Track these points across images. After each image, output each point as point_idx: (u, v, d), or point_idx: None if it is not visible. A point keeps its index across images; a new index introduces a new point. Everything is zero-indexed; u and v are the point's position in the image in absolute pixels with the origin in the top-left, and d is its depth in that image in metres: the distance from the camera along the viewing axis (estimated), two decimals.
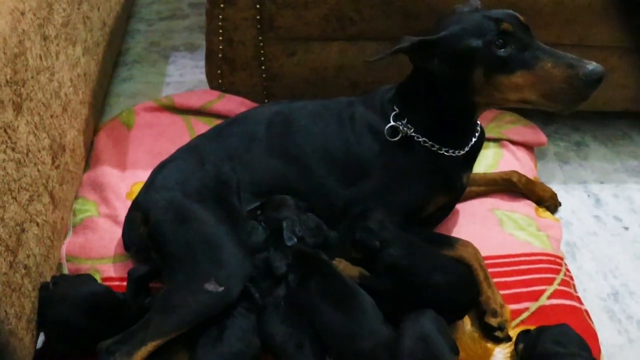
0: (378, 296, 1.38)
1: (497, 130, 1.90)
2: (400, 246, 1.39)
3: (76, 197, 1.66)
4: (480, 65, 1.31)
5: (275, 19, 1.67)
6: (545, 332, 1.37)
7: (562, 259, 1.63)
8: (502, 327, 1.44)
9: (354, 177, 1.50)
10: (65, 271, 1.51)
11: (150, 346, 1.27)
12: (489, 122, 1.91)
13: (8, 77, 1.24)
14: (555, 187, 1.87)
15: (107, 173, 1.68)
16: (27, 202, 1.31)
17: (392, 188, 1.47)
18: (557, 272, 1.58)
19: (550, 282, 1.55)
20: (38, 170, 1.38)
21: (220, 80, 1.81)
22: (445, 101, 1.41)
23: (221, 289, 1.33)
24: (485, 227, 1.67)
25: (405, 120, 1.45)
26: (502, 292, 1.50)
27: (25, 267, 1.30)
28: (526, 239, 1.65)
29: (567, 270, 1.64)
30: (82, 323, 1.31)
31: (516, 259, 1.60)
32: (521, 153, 1.86)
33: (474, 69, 1.31)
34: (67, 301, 1.33)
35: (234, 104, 1.84)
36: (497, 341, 1.44)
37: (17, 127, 1.28)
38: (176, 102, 1.85)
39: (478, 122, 1.52)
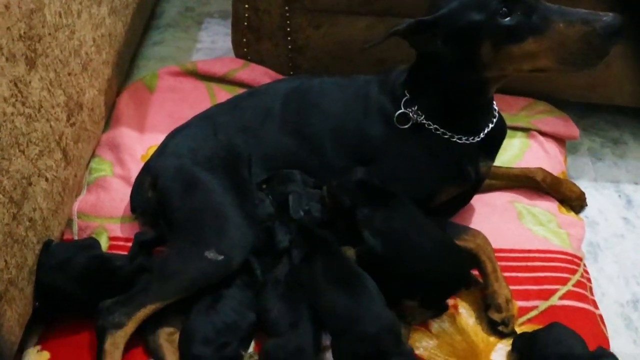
0: (378, 279, 1.36)
1: (527, 120, 1.81)
2: (376, 207, 1.37)
3: (93, 156, 1.68)
4: (487, 39, 1.22)
5: None
6: (540, 334, 1.33)
7: (580, 259, 1.56)
8: (506, 323, 1.39)
9: (363, 160, 1.46)
10: (75, 228, 1.53)
11: (148, 309, 1.29)
12: (519, 110, 1.84)
13: (22, 32, 1.25)
14: (584, 184, 1.79)
15: (125, 134, 1.69)
16: (36, 156, 1.33)
17: (400, 176, 1.43)
18: (574, 272, 1.51)
19: (564, 282, 1.49)
20: (51, 126, 1.39)
21: (245, 49, 1.79)
22: (454, 82, 1.34)
23: (221, 257, 1.33)
24: (503, 219, 1.61)
25: (416, 107, 1.39)
26: (512, 287, 1.45)
27: (30, 220, 1.32)
28: (545, 235, 1.58)
29: (586, 271, 1.57)
30: (74, 292, 1.33)
31: (531, 254, 1.54)
32: (550, 145, 1.78)
33: (480, 44, 1.23)
34: (61, 269, 1.34)
35: (257, 74, 1.82)
36: (501, 336, 1.40)
37: (30, 82, 1.29)
38: (200, 68, 1.85)
39: (495, 107, 1.45)
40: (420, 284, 1.35)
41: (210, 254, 1.33)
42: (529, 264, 1.53)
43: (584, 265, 1.57)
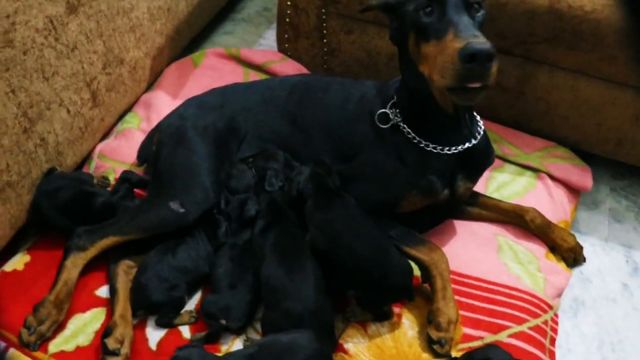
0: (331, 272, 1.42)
1: (539, 161, 1.77)
2: (319, 203, 1.41)
3: (129, 110, 1.89)
4: (411, 31, 1.29)
5: None
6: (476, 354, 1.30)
7: (550, 307, 1.49)
8: (442, 343, 1.37)
9: (344, 156, 1.53)
10: (93, 164, 1.74)
11: (110, 240, 1.45)
12: (534, 150, 1.80)
13: None
14: (592, 241, 1.71)
15: (160, 97, 1.88)
16: (60, 87, 1.54)
17: (366, 175, 1.48)
18: (536, 316, 1.46)
19: (520, 321, 1.44)
20: (83, 67, 1.61)
21: (286, 45, 1.93)
22: (409, 79, 1.39)
23: (182, 210, 1.48)
24: (481, 249, 1.59)
25: (398, 109, 1.44)
26: (463, 313, 1.45)
27: (42, 139, 1.52)
28: (519, 274, 1.53)
29: (554, 321, 1.50)
30: (56, 217, 1.50)
31: (496, 287, 1.51)
32: (558, 191, 1.72)
33: (408, 34, 1.30)
34: (50, 196, 1.51)
35: (291, 69, 1.94)
36: (435, 355, 1.38)
37: (67, 23, 1.51)
38: (242, 54, 2.01)
39: (480, 127, 1.46)
40: (355, 283, 1.39)
41: (174, 205, 1.48)
42: (490, 295, 1.49)
43: (555, 315, 1.51)
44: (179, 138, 1.58)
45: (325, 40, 1.86)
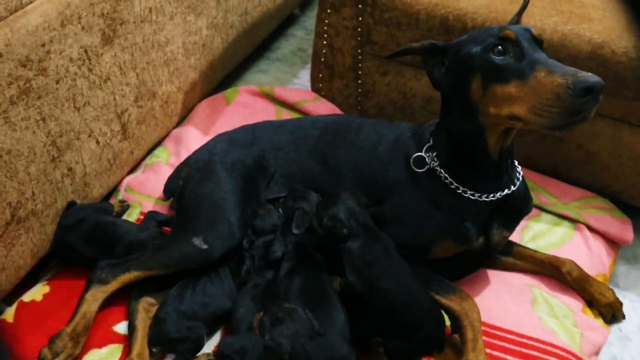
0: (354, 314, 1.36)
1: (577, 211, 1.69)
2: (363, 240, 1.36)
3: (160, 145, 1.88)
4: (478, 73, 1.22)
5: (372, 33, 1.73)
6: None
7: None
8: None
9: (375, 198, 1.48)
10: (120, 197, 1.72)
11: (132, 274, 1.42)
12: (572, 200, 1.72)
13: (105, 11, 1.48)
14: (632, 297, 1.62)
15: (191, 132, 1.87)
16: (90, 118, 1.54)
17: (398, 218, 1.43)
18: None
19: None
20: (115, 98, 1.61)
21: (320, 84, 1.91)
22: (456, 125, 1.33)
23: (205, 246, 1.44)
24: (514, 300, 1.51)
25: (435, 153, 1.40)
26: None
27: (69, 169, 1.52)
28: (554, 328, 1.45)
29: None
30: (80, 248, 1.49)
31: (529, 341, 1.42)
32: (596, 243, 1.64)
33: (472, 77, 1.23)
34: (73, 228, 1.50)
35: (324, 109, 1.92)
36: None
37: (101, 54, 1.52)
38: (276, 93, 2.00)
39: (519, 174, 1.40)
40: (387, 330, 1.33)
41: (197, 241, 1.44)
42: (523, 350, 1.41)
43: None
44: (206, 172, 1.56)
45: (359, 81, 1.84)
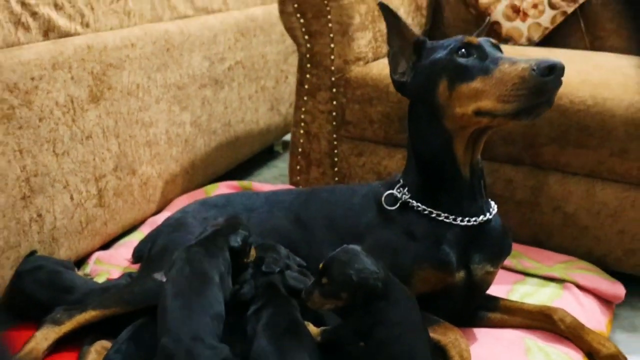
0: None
1: (564, 272, 1.62)
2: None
3: (137, 229, 1.86)
4: (443, 75, 1.28)
5: (346, 112, 1.83)
6: None
7: None
8: None
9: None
10: (88, 269, 1.65)
11: (88, 314, 1.32)
12: (556, 262, 1.66)
13: (95, 71, 1.60)
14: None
15: (165, 216, 1.85)
16: (68, 170, 1.55)
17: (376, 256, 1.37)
18: None
19: None
20: (94, 159, 1.63)
21: (298, 177, 1.95)
22: (422, 138, 1.36)
23: (165, 279, 1.35)
24: (507, 351, 1.37)
25: (406, 189, 1.40)
26: None
27: (39, 215, 1.49)
28: None
29: None
30: (36, 294, 1.40)
31: None
32: (588, 300, 1.54)
33: (439, 79, 1.28)
34: (31, 273, 1.43)
35: None
36: None
37: (87, 110, 1.59)
38: (254, 187, 2.02)
39: (493, 206, 1.39)
40: None
41: (158, 275, 1.38)
42: None
43: None
44: (177, 226, 1.55)
45: (335, 169, 1.89)
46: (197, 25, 1.99)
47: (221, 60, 2.14)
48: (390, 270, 1.31)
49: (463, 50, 1.28)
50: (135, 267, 1.62)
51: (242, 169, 2.51)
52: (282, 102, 2.63)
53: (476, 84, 1.24)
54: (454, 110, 1.28)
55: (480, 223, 1.35)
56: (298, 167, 1.95)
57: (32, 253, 1.50)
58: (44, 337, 1.27)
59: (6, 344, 1.23)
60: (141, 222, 1.89)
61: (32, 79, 1.43)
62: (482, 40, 1.31)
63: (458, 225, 1.34)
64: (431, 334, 1.26)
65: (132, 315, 1.34)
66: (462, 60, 1.27)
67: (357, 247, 1.28)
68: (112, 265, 1.65)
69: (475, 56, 1.27)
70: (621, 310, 1.68)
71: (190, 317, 1.19)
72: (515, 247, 1.72)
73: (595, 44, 2.26)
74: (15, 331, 1.38)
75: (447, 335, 1.26)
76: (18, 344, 1.29)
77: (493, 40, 1.33)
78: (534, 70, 1.16)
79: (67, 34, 1.54)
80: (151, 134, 1.85)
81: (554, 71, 1.15)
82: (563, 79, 1.17)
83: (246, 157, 2.47)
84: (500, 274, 1.55)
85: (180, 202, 1.98)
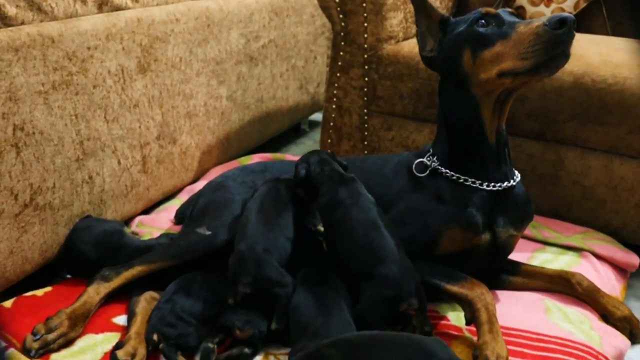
0: None
1: (581, 242, 1.70)
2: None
3: (174, 196, 1.97)
4: (466, 45, 1.37)
5: (377, 88, 1.92)
6: None
7: (607, 359, 1.32)
8: None
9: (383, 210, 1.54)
10: (132, 229, 1.76)
11: (136, 270, 1.43)
12: (574, 233, 1.75)
13: (143, 43, 1.70)
14: None
15: (202, 185, 1.95)
16: (117, 135, 1.66)
17: (405, 219, 1.47)
18: None
19: None
20: (140, 126, 1.74)
21: (329, 150, 2.04)
22: (452, 106, 1.45)
23: (209, 233, 1.48)
24: (527, 310, 1.46)
25: (435, 157, 1.50)
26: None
27: (90, 177, 1.59)
28: (571, 330, 1.39)
29: None
30: (87, 252, 1.51)
31: (546, 337, 1.36)
32: (604, 268, 1.63)
33: (463, 50, 1.38)
34: (82, 232, 1.54)
35: None
36: None
37: (135, 79, 1.69)
38: (287, 158, 2.12)
39: (517, 174, 1.47)
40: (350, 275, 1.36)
41: (201, 230, 1.49)
42: (542, 344, 1.34)
43: None
44: (217, 187, 1.66)
45: (365, 142, 1.98)
46: (235, 3, 2.09)
47: (256, 38, 2.23)
48: (421, 231, 1.45)
49: (482, 20, 1.38)
50: (176, 229, 1.72)
51: (271, 145, 2.61)
52: (311, 81, 2.72)
53: (497, 48, 1.34)
54: (479, 77, 1.37)
55: (505, 189, 1.45)
56: (329, 140, 2.05)
57: (87, 216, 1.61)
58: (96, 291, 1.39)
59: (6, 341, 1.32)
60: (180, 190, 2.00)
61: (88, 48, 1.53)
62: (500, 10, 1.41)
63: (484, 189, 1.44)
64: (459, 289, 1.36)
65: (176, 271, 1.43)
66: (481, 29, 1.37)
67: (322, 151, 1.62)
68: (155, 227, 1.76)
69: (493, 24, 1.37)
70: (634, 281, 1.77)
71: (269, 232, 1.37)
72: (536, 218, 1.81)
73: (617, 30, 2.33)
74: (66, 286, 1.50)
75: (474, 290, 1.34)
76: (70, 299, 1.39)
77: (510, 10, 1.43)
78: (546, 25, 1.25)
79: (119, 8, 1.64)
80: (191, 106, 1.95)
81: (565, 24, 1.25)
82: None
83: (275, 133, 2.56)
84: (521, 243, 1.66)
85: (216, 172, 2.08)
